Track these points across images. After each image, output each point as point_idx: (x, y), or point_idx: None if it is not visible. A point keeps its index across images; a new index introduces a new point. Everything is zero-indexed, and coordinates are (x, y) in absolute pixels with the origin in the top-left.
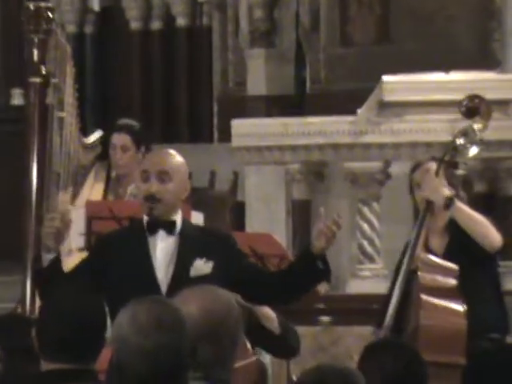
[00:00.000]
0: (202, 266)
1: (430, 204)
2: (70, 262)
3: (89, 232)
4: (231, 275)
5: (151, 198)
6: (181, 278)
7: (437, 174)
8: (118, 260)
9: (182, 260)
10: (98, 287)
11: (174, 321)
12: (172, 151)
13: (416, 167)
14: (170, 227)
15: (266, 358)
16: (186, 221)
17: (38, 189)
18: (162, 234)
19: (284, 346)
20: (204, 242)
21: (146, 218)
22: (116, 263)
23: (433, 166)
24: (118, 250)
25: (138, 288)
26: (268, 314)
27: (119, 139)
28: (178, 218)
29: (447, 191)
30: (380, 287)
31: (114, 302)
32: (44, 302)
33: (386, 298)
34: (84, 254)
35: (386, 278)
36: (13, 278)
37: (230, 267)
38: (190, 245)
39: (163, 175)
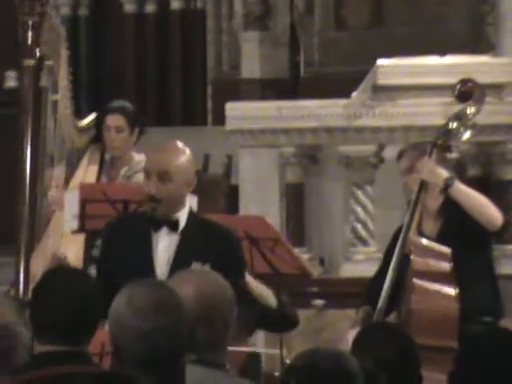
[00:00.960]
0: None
1: (423, 186)
2: (65, 247)
3: (82, 214)
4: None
5: (152, 199)
6: None
7: (429, 156)
8: (121, 250)
9: (181, 260)
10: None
11: (172, 304)
12: (177, 148)
13: (401, 154)
14: (172, 225)
15: (259, 343)
16: (192, 216)
17: (31, 171)
18: (165, 230)
19: (283, 319)
20: (206, 242)
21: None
22: (119, 253)
23: (424, 149)
24: (124, 240)
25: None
26: (263, 291)
27: (113, 120)
28: (182, 214)
29: (445, 172)
30: (373, 271)
31: (109, 291)
32: (38, 284)
33: (373, 279)
34: (78, 236)
35: (379, 261)
36: (6, 260)
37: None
38: (191, 245)
39: (164, 175)
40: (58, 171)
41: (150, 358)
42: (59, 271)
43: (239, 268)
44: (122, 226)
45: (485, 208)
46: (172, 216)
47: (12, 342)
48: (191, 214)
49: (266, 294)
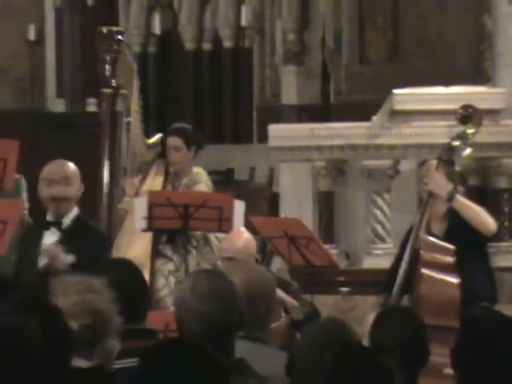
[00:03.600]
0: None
1: (431, 195)
2: (135, 243)
3: (150, 216)
4: None
5: None
6: None
7: (436, 168)
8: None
9: None
10: None
11: (227, 290)
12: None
13: (422, 163)
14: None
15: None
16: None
17: (109, 181)
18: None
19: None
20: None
21: None
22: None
23: (433, 162)
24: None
25: None
26: (292, 303)
27: (172, 141)
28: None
29: (450, 186)
30: (389, 263)
31: None
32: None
33: (390, 270)
34: (146, 234)
35: (394, 255)
36: None
37: None
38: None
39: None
40: (133, 181)
41: (207, 334)
42: (116, 267)
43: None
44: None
45: (481, 218)
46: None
47: (106, 326)
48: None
49: (294, 304)
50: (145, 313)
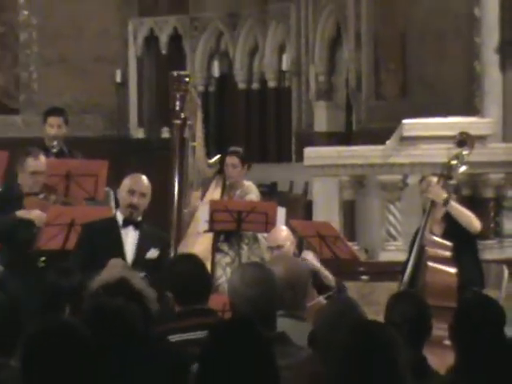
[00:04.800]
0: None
1: (433, 203)
2: (199, 241)
3: (211, 220)
4: None
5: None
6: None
7: (438, 182)
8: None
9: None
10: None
11: (269, 279)
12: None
13: (421, 180)
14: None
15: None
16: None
17: (178, 193)
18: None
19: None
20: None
21: None
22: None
23: (433, 178)
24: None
25: None
26: (327, 275)
27: (230, 160)
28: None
29: (445, 195)
30: (400, 257)
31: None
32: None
33: (405, 264)
34: (208, 234)
35: (404, 251)
36: None
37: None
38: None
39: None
40: (196, 194)
41: (254, 314)
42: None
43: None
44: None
45: (468, 218)
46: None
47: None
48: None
49: (329, 276)
50: (207, 296)
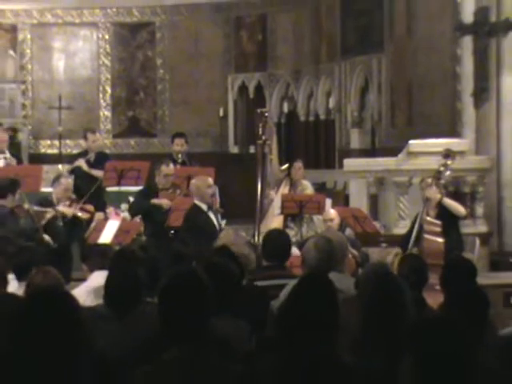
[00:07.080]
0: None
1: (428, 198)
2: (274, 221)
3: (283, 206)
4: None
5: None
6: None
7: (432, 182)
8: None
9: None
10: None
11: (329, 246)
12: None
13: (421, 181)
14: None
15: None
16: None
17: (261, 189)
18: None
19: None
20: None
21: None
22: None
23: (429, 179)
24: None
25: None
26: (354, 253)
27: (298, 165)
28: None
29: (438, 195)
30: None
31: None
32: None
33: (406, 235)
34: (280, 216)
35: (407, 228)
36: (249, 226)
37: None
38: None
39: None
40: (272, 192)
41: (318, 268)
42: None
43: None
44: None
45: (457, 207)
46: None
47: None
48: None
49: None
50: (286, 257)
